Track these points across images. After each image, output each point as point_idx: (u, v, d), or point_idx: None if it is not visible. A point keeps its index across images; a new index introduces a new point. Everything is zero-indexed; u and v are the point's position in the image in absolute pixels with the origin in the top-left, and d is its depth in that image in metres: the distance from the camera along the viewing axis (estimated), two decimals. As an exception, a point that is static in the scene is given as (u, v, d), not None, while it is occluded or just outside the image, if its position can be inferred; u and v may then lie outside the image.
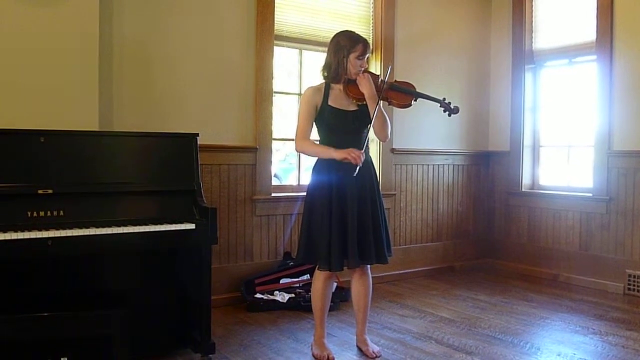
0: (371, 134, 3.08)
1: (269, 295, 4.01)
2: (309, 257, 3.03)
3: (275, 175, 4.95)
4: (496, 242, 5.47)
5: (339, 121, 2.99)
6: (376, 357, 3.08)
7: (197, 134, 3.10)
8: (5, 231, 2.39)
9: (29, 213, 2.57)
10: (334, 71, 2.99)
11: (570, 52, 4.94)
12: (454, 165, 5.28)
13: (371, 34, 4.74)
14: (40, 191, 2.60)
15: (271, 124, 4.18)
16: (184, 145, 3.04)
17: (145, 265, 2.96)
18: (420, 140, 5.02)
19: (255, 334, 3.44)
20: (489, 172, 5.52)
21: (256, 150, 4.11)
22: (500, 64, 5.41)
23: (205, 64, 3.91)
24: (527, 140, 5.27)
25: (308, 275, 4.17)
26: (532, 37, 5.19)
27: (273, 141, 4.23)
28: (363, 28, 4.66)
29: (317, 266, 3.01)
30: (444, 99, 3.11)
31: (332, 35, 3.07)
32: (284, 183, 5.92)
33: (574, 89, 5.01)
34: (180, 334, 3.07)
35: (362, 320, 3.17)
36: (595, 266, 4.66)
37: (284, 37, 4.29)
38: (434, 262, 5.15)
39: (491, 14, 5.49)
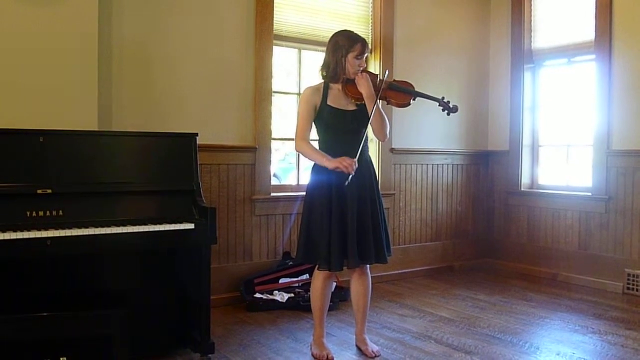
0: (370, 134, 3.08)
1: (268, 295, 4.01)
2: (308, 257, 3.03)
3: (274, 175, 4.95)
4: (495, 241, 5.48)
5: (338, 121, 2.99)
6: (375, 356, 3.08)
7: (197, 134, 3.10)
8: (4, 231, 2.39)
9: (28, 213, 2.57)
10: (333, 71, 2.99)
11: (569, 51, 4.95)
12: (453, 164, 5.28)
13: (370, 34, 4.74)
14: (39, 191, 2.60)
15: (270, 124, 4.18)
16: (183, 145, 3.04)
17: (145, 265, 2.96)
18: (420, 140, 5.02)
19: (255, 333, 3.44)
20: (488, 171, 5.52)
21: (255, 150, 4.11)
22: (500, 64, 5.41)
23: (204, 64, 3.91)
24: (526, 140, 5.27)
25: (307, 274, 4.18)
26: (531, 37, 5.20)
27: (272, 141, 4.23)
28: (362, 28, 4.66)
29: (317, 266, 3.01)
30: (443, 98, 3.11)
31: (331, 35, 3.07)
32: (283, 183, 5.93)
33: (573, 88, 5.01)
34: (179, 334, 3.07)
35: (362, 320, 3.18)
36: (595, 265, 4.67)
37: (283, 36, 4.29)
38: (433, 262, 5.15)
39: (490, 14, 5.49)
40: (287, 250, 4.28)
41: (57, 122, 3.03)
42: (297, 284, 4.18)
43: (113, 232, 2.58)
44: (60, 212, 2.63)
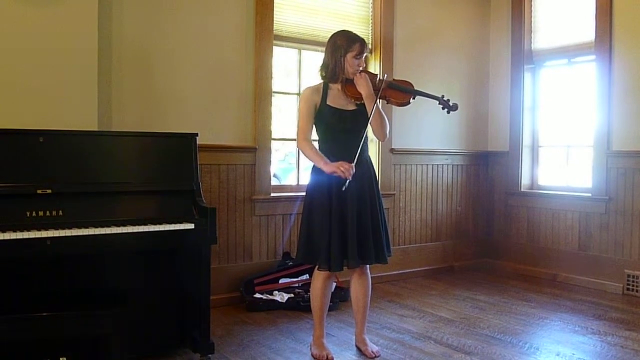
0: (370, 134, 3.08)
1: (268, 295, 4.01)
2: (308, 257, 3.03)
3: (274, 175, 4.95)
4: (495, 242, 5.48)
5: (338, 121, 2.99)
6: (375, 357, 3.08)
7: (197, 134, 3.10)
8: (4, 231, 2.39)
9: (28, 213, 2.56)
10: (332, 71, 3.00)
11: (570, 52, 4.95)
12: (453, 165, 5.28)
13: (370, 34, 4.74)
14: (39, 191, 2.60)
15: (270, 124, 4.18)
16: (183, 145, 3.04)
17: (145, 265, 2.96)
18: (420, 140, 5.02)
19: (255, 333, 3.44)
20: (488, 172, 5.52)
21: (255, 150, 4.11)
22: (500, 64, 5.41)
23: (204, 64, 3.91)
24: (526, 140, 5.27)
25: (307, 275, 4.17)
26: (531, 37, 5.20)
27: (272, 141, 4.23)
28: (362, 28, 4.67)
29: (317, 266, 3.01)
30: (443, 96, 3.11)
31: (330, 36, 3.07)
32: (283, 183, 5.93)
33: (573, 89, 5.01)
34: (179, 334, 3.07)
35: (361, 320, 3.17)
36: (594, 266, 4.67)
37: (283, 37, 4.29)
38: (433, 262, 5.15)
39: (490, 14, 5.49)
40: (287, 250, 4.28)
41: (57, 122, 3.03)
42: (297, 284, 4.18)
43: (113, 232, 2.58)
44: (60, 212, 2.63)
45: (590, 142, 4.75)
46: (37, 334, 2.43)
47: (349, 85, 3.00)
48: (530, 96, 5.27)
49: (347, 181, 2.83)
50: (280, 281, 4.14)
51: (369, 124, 2.97)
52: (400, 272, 4.89)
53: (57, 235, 2.46)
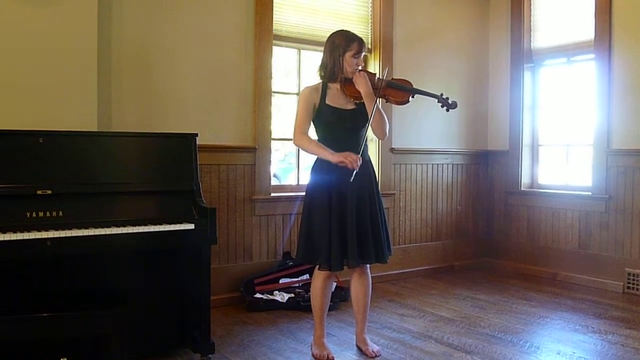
0: (370, 133, 3.08)
1: (268, 295, 4.01)
2: (308, 257, 3.02)
3: (274, 175, 4.95)
4: (495, 241, 5.48)
5: (337, 120, 2.99)
6: (376, 356, 3.08)
7: (196, 134, 3.10)
8: (4, 232, 2.39)
9: (28, 214, 2.56)
10: (331, 70, 3.00)
11: (569, 50, 4.95)
12: (453, 164, 5.28)
13: (370, 34, 4.74)
14: (39, 192, 2.60)
15: (270, 124, 4.18)
16: (183, 146, 3.04)
17: (145, 265, 2.96)
18: (420, 140, 5.02)
19: (255, 333, 3.44)
20: (488, 171, 5.52)
21: (255, 150, 4.11)
22: (499, 63, 5.41)
23: (204, 64, 3.91)
24: (526, 139, 5.27)
25: (307, 275, 4.17)
26: (530, 36, 5.20)
27: (272, 141, 4.23)
28: (362, 28, 4.67)
29: (317, 266, 3.01)
30: (442, 94, 3.11)
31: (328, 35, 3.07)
32: (283, 183, 5.92)
33: (572, 87, 5.01)
34: (179, 334, 3.07)
35: (362, 320, 3.17)
36: (595, 265, 4.67)
37: (283, 36, 4.29)
38: (433, 262, 5.15)
39: (490, 13, 5.49)
40: (287, 250, 4.28)
41: (56, 123, 3.03)
42: (297, 284, 4.18)
43: (113, 232, 2.58)
44: (60, 213, 2.63)
45: (590, 141, 4.75)
46: (37, 334, 2.43)
47: (347, 84, 3.00)
48: (530, 95, 5.27)
49: (354, 172, 2.83)
50: (281, 281, 4.14)
51: (369, 123, 2.97)
52: (400, 271, 4.89)
53: (57, 235, 2.46)
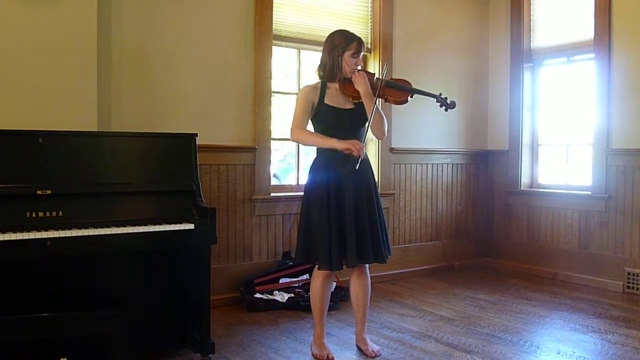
0: (369, 134, 3.08)
1: (268, 295, 4.01)
2: (308, 257, 3.02)
3: (274, 175, 4.95)
4: (495, 241, 5.48)
5: (336, 119, 2.99)
6: (376, 356, 3.08)
7: (196, 134, 3.10)
8: (4, 232, 2.39)
9: (28, 214, 2.57)
10: (329, 70, 3.00)
11: (569, 50, 4.95)
12: (452, 164, 5.28)
13: (369, 34, 4.74)
14: (39, 192, 2.60)
15: (270, 124, 4.18)
16: (182, 146, 3.04)
17: (145, 265, 2.96)
18: (419, 140, 5.02)
19: (255, 333, 3.44)
20: (487, 171, 5.52)
21: (255, 150, 4.11)
22: (499, 63, 5.41)
23: (203, 64, 3.91)
24: (526, 139, 5.27)
25: (307, 274, 4.17)
26: (530, 36, 5.20)
27: (272, 141, 4.23)
28: (361, 27, 4.67)
29: (317, 266, 3.01)
30: (440, 94, 3.11)
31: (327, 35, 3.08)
32: (283, 183, 5.90)
33: (572, 87, 5.01)
34: (180, 334, 3.07)
35: (362, 320, 3.17)
36: (595, 264, 4.67)
37: (283, 36, 4.29)
38: (433, 261, 5.15)
39: (489, 13, 5.49)
40: (287, 250, 4.28)
41: (56, 123, 3.03)
42: (297, 284, 4.18)
43: (113, 232, 2.58)
44: (60, 213, 2.63)
45: (589, 140, 4.75)
46: (37, 334, 2.43)
47: (346, 84, 3.00)
48: (530, 95, 5.27)
49: (359, 160, 2.84)
50: (281, 281, 4.14)
51: (368, 123, 2.97)
52: (400, 271, 4.89)
53: (57, 235, 2.46)
